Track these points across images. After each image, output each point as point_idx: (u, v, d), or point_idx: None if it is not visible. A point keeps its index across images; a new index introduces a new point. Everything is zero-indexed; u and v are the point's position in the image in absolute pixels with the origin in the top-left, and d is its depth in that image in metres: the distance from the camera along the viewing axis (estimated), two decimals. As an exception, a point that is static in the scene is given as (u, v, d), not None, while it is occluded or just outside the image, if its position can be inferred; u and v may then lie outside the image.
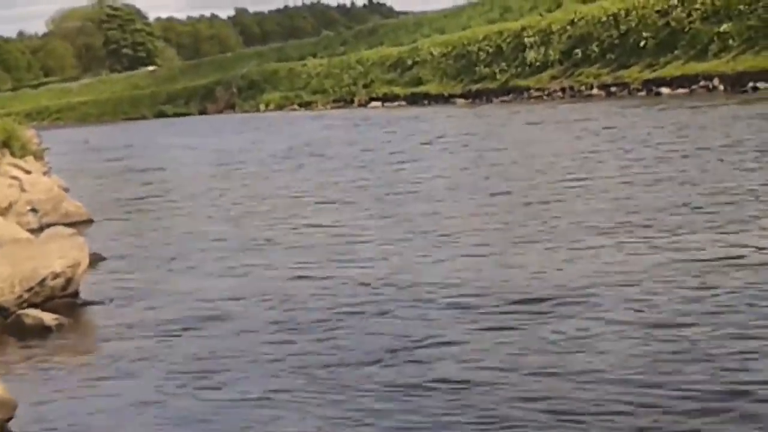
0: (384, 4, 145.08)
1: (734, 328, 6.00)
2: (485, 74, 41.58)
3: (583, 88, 34.96)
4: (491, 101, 38.62)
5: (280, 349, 6.64)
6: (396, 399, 5.48)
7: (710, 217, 9.46)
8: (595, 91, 33.98)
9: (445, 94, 42.87)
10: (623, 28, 35.41)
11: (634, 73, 33.17)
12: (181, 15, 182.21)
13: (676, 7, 33.44)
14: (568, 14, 39.85)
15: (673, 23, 33.16)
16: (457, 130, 25.33)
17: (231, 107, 62.27)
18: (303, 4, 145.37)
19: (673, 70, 31.52)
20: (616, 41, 35.45)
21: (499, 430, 4.96)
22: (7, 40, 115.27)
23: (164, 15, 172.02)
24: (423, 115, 34.10)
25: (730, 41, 30.27)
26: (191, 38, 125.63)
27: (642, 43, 33.91)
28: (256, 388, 5.88)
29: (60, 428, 5.61)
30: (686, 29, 32.47)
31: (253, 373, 6.18)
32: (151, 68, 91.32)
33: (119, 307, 8.52)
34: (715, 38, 30.85)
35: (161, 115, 67.69)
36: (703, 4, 32.41)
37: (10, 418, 5.49)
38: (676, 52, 32.31)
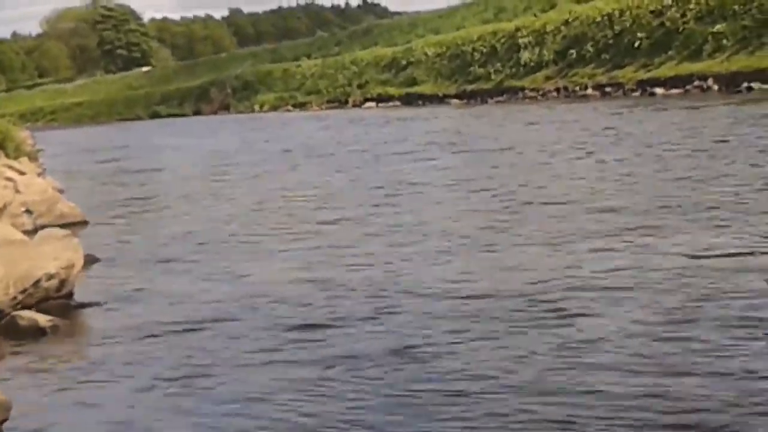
0: (378, 5, 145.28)
1: (744, 331, 5.95)
2: (480, 74, 41.65)
3: (577, 88, 35.03)
4: (486, 102, 38.66)
5: (276, 352, 6.63)
6: (395, 402, 5.45)
7: (714, 218, 9.43)
8: (589, 91, 34.04)
9: (440, 94, 42.92)
10: (617, 28, 35.48)
11: (629, 74, 33.23)
12: (175, 15, 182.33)
13: (671, 7, 33.51)
14: (562, 14, 39.93)
15: (667, 23, 33.23)
16: (452, 131, 25.33)
17: (225, 108, 62.28)
18: (297, 4, 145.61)
19: (668, 70, 31.58)
20: (611, 41, 35.51)
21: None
22: (1, 41, 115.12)
23: (158, 15, 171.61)
24: (418, 116, 34.12)
25: (725, 41, 30.33)
26: (185, 39, 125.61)
27: (636, 44, 33.97)
28: (251, 391, 5.86)
29: (55, 430, 5.60)
30: (680, 29, 32.54)
31: (248, 376, 6.17)
32: (145, 69, 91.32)
33: (114, 308, 8.50)
34: (710, 38, 30.92)
35: (156, 115, 67.67)
36: (697, 4, 32.49)
37: (4, 420, 5.49)
38: (670, 52, 32.38)
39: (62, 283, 8.63)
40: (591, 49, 36.14)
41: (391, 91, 47.00)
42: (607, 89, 33.16)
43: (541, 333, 6.38)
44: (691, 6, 32.68)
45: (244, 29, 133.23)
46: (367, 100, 48.09)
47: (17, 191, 14.10)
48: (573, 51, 37.00)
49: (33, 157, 25.39)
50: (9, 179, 14.46)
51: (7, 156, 19.06)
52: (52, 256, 8.62)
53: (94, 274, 10.13)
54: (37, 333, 7.75)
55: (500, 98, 38.43)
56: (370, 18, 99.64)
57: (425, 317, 7.06)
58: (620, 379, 5.38)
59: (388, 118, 34.47)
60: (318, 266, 9.32)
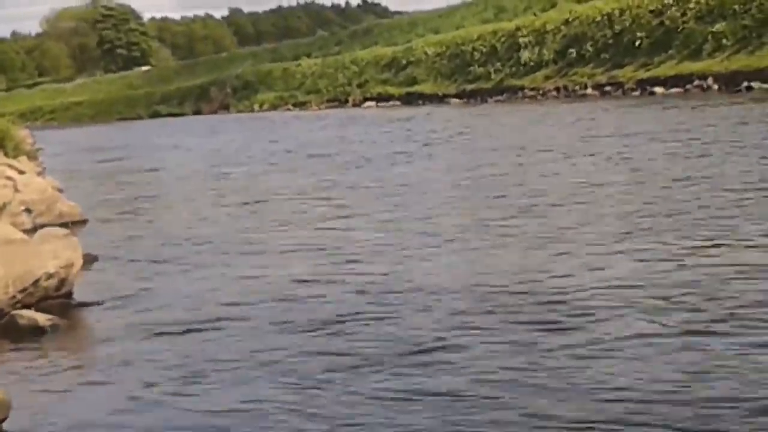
0: (378, 4, 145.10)
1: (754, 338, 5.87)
2: (480, 74, 41.64)
3: (577, 87, 35.02)
4: (486, 101, 38.65)
5: (276, 352, 6.62)
6: (395, 406, 5.41)
7: (721, 220, 9.36)
8: (589, 90, 34.04)
9: (440, 93, 42.91)
10: (617, 27, 35.48)
11: (629, 73, 33.23)
12: (175, 15, 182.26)
13: (671, 6, 33.52)
14: (562, 14, 39.93)
15: (667, 23, 33.24)
16: (453, 130, 25.31)
17: (225, 107, 62.24)
18: (297, 4, 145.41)
19: (668, 69, 31.59)
20: (611, 41, 35.51)
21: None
22: (1, 41, 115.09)
23: (159, 15, 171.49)
24: (418, 115, 34.10)
25: (724, 41, 30.34)
26: (186, 38, 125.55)
27: (636, 43, 33.98)
28: (251, 392, 5.85)
29: (55, 429, 5.60)
30: (680, 29, 32.55)
31: (248, 376, 6.16)
32: (145, 68, 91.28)
33: (113, 307, 8.50)
34: (709, 38, 30.92)
35: (156, 115, 67.62)
36: (697, 3, 32.49)
37: (4, 419, 5.49)
38: (670, 51, 32.39)
39: (62, 282, 8.64)
40: (591, 49, 36.14)
41: (391, 90, 46.98)
42: (607, 89, 33.17)
43: (551, 333, 6.32)
44: (691, 5, 32.68)
45: (244, 29, 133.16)
46: (367, 99, 48.07)
47: (17, 190, 14.10)
48: (573, 50, 37.00)
49: (32, 156, 25.35)
50: (8, 178, 14.45)
51: (7, 155, 19.05)
52: (52, 255, 8.62)
53: (94, 273, 10.12)
54: (36, 332, 7.75)
55: (500, 98, 38.43)
56: (371, 17, 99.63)
57: (430, 317, 7.02)
58: (632, 383, 5.31)
59: (388, 118, 34.45)
60: (320, 266, 9.30)
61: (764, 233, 8.55)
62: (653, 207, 10.41)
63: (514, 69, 39.80)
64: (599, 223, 9.89)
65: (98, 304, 8.65)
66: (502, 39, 41.61)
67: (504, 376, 5.65)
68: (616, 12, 36.04)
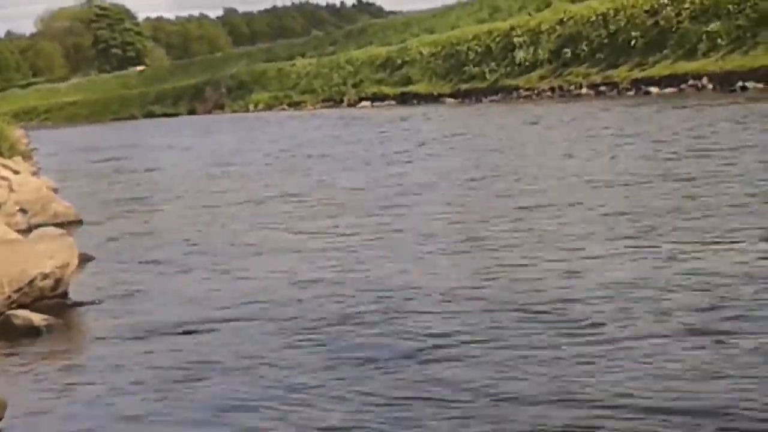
0: (373, 4, 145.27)
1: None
2: (474, 74, 41.70)
3: (572, 87, 35.09)
4: (480, 101, 38.70)
5: (270, 352, 6.61)
6: (401, 406, 5.37)
7: (723, 220, 9.30)
8: (584, 90, 34.10)
9: (435, 93, 42.96)
10: (612, 27, 35.55)
11: (623, 73, 33.30)
12: (170, 15, 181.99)
13: (665, 6, 33.57)
14: (557, 14, 39.99)
15: (662, 22, 33.30)
16: (449, 130, 25.33)
17: (220, 107, 62.24)
18: (292, 4, 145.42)
19: (662, 69, 31.65)
20: (605, 41, 35.58)
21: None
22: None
23: (153, 15, 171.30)
24: (413, 115, 34.11)
25: (719, 40, 30.41)
26: (180, 38, 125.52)
27: (631, 43, 34.04)
28: (248, 392, 5.84)
29: (50, 429, 5.58)
30: (675, 28, 32.62)
31: (245, 376, 6.15)
32: (140, 68, 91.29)
33: (109, 307, 8.49)
34: (704, 37, 30.99)
35: (150, 115, 67.61)
36: (692, 3, 32.57)
37: (0, 419, 5.48)
38: (665, 51, 32.46)
39: (57, 282, 8.62)
40: (585, 49, 36.20)
41: (386, 90, 47.01)
42: (602, 88, 33.23)
43: (556, 334, 6.27)
44: (686, 5, 32.75)
45: (238, 28, 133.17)
46: (362, 99, 48.10)
47: (11, 190, 14.08)
48: (568, 50, 37.05)
49: (27, 156, 25.36)
50: (3, 178, 14.43)
51: (1, 155, 19.03)
52: (47, 255, 8.60)
53: (89, 273, 10.11)
54: (32, 332, 7.73)
55: (495, 97, 38.48)
56: (365, 17, 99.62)
57: (431, 319, 6.95)
58: (641, 385, 5.25)
59: (384, 118, 34.46)
60: (317, 266, 9.26)
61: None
62: (655, 206, 10.34)
63: (509, 69, 39.86)
64: (601, 223, 9.82)
65: (94, 304, 8.63)
66: (497, 39, 41.67)
67: (508, 378, 5.60)
68: (611, 12, 36.11)
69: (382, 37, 58.37)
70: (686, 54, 31.49)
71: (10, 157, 19.88)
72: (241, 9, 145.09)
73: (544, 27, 39.20)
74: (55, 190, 16.83)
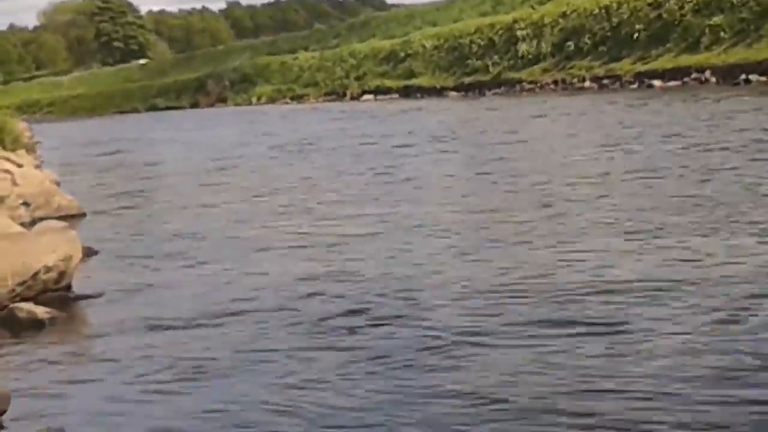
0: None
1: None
2: (477, 67, 41.62)
3: (575, 80, 35.02)
4: (484, 94, 38.64)
5: (274, 346, 6.61)
6: (406, 404, 5.36)
7: (739, 216, 9.17)
8: (587, 83, 34.05)
9: (438, 86, 42.89)
10: (615, 20, 35.47)
11: (626, 66, 33.23)
12: (172, 8, 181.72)
13: (668, -1, 33.51)
14: (560, 6, 39.90)
15: (665, 15, 33.24)
16: (454, 124, 25.29)
17: (223, 100, 62.15)
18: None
19: (665, 62, 31.59)
20: (608, 34, 35.51)
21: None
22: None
23: (156, 8, 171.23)
24: (416, 109, 34.06)
25: (722, 33, 30.35)
26: (183, 31, 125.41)
27: (634, 36, 33.97)
28: (251, 388, 5.83)
29: (53, 422, 5.59)
30: (678, 22, 32.55)
31: (248, 371, 6.14)
32: (142, 61, 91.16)
33: (112, 300, 8.50)
34: (707, 31, 30.93)
35: (153, 108, 67.51)
36: (695, -4, 32.47)
37: (3, 411, 5.49)
38: (668, 44, 32.40)
39: (60, 275, 8.64)
40: (588, 42, 36.13)
41: (389, 83, 46.93)
42: (605, 81, 33.17)
43: (571, 330, 6.20)
44: (689, -2, 32.69)
45: (241, 22, 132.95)
46: (364, 92, 48.01)
47: (15, 183, 14.09)
48: (571, 43, 36.98)
49: (30, 150, 25.35)
50: (6, 171, 14.44)
51: (5, 148, 19.04)
52: (51, 249, 8.62)
53: (92, 266, 10.12)
54: (35, 325, 7.75)
55: (498, 90, 38.41)
56: (368, 10, 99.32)
57: (441, 314, 6.91)
58: (658, 382, 5.21)
59: (387, 111, 34.43)
60: (322, 261, 9.21)
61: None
62: (667, 202, 10.21)
63: (511, 62, 39.79)
64: (614, 218, 9.71)
65: (97, 297, 8.65)
66: (500, 32, 41.60)
67: (523, 374, 5.56)
68: (614, 4, 36.03)
69: (385, 30, 58.27)
70: (689, 47, 31.44)
71: (13, 150, 19.87)
72: (243, 2, 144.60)
73: (547, 20, 39.13)
74: (58, 184, 16.84)
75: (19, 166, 15.69)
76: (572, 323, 6.37)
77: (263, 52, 67.60)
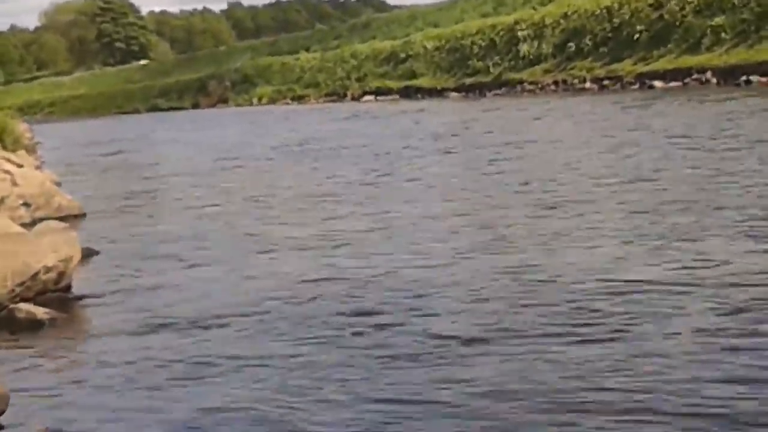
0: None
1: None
2: (479, 68, 41.60)
3: (576, 81, 35.00)
4: (485, 95, 38.61)
5: (274, 348, 6.61)
6: (409, 405, 5.33)
7: (744, 218, 9.09)
8: (588, 84, 34.03)
9: (439, 87, 42.87)
10: (616, 21, 35.45)
11: (627, 67, 33.21)
12: (174, 9, 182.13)
13: (669, 0, 33.47)
14: (561, 7, 39.89)
15: (666, 16, 33.23)
16: (455, 124, 25.25)
17: (224, 101, 62.17)
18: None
19: (666, 63, 31.57)
20: (609, 34, 35.49)
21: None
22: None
23: (157, 9, 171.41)
24: (417, 109, 34.04)
25: (723, 34, 30.33)
26: (184, 32, 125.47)
27: (635, 37, 33.94)
28: (251, 390, 5.82)
29: (52, 422, 5.59)
30: (679, 22, 32.53)
31: (249, 374, 6.13)
32: (144, 62, 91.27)
33: (112, 301, 8.50)
34: (708, 31, 30.92)
35: (154, 108, 67.53)
36: (696, -3, 32.45)
37: (2, 412, 5.49)
38: (669, 45, 32.37)
39: (60, 275, 8.64)
40: (589, 43, 36.11)
41: (390, 84, 46.92)
42: (606, 83, 33.15)
43: (575, 335, 6.16)
44: (690, -1, 32.67)
45: (243, 22, 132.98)
46: (365, 93, 48.00)
47: (15, 184, 14.09)
48: (572, 44, 36.95)
49: (31, 150, 25.39)
50: (7, 172, 14.45)
51: (5, 148, 19.05)
52: (51, 249, 8.62)
53: (92, 267, 10.12)
54: (35, 326, 7.75)
55: (499, 91, 38.39)
56: (369, 11, 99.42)
57: (446, 317, 6.88)
58: (671, 386, 5.17)
59: (388, 112, 34.42)
60: (324, 262, 9.19)
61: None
62: (671, 203, 10.15)
63: (513, 63, 39.77)
64: (618, 219, 9.69)
65: (96, 297, 8.65)
66: (501, 33, 41.58)
67: (528, 375, 5.54)
68: (615, 5, 36.02)
69: (386, 31, 58.29)
70: (690, 48, 31.41)
71: (14, 150, 19.90)
72: (245, 3, 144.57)
73: (548, 21, 39.12)
74: (59, 184, 16.85)
75: (20, 166, 15.70)
76: (578, 325, 6.35)
77: (264, 53, 67.64)
